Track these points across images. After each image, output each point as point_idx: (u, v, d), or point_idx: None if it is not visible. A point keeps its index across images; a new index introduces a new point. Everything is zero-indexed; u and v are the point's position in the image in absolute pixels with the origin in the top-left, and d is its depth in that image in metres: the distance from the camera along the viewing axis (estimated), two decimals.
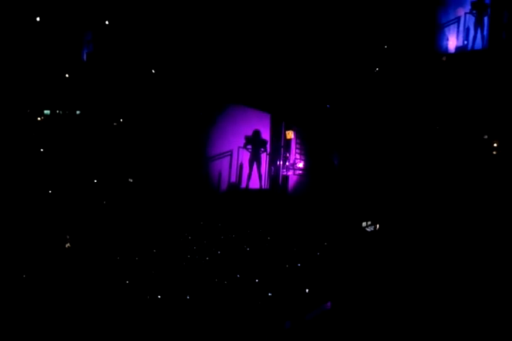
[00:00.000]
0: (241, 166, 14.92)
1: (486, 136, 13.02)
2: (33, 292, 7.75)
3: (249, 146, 14.92)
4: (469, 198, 12.00)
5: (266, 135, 15.09)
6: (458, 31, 14.07)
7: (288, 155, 15.13)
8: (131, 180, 13.69)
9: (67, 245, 10.28)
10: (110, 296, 7.76)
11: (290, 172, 15.03)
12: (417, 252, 9.74)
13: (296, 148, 15.16)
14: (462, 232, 10.57)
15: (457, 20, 14.09)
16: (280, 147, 15.12)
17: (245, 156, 14.98)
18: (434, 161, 12.94)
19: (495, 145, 12.89)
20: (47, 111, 13.52)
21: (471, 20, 13.95)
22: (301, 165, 15.10)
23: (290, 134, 15.02)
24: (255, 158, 14.95)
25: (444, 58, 14.08)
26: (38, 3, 13.01)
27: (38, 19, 12.99)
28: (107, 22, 13.85)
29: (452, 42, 14.18)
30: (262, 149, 15.01)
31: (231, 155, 14.87)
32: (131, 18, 13.81)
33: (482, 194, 11.99)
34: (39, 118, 13.45)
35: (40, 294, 7.67)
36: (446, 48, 14.25)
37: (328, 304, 7.78)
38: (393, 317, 7.33)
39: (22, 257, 9.16)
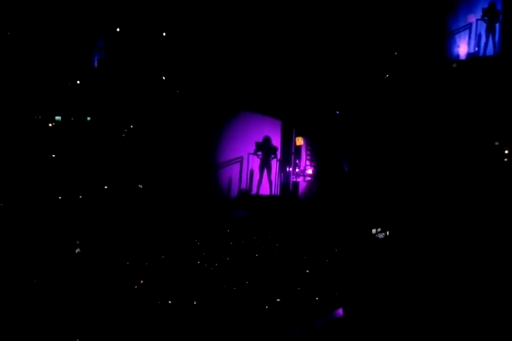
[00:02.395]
0: (251, 173, 14.92)
1: (497, 143, 12.95)
2: (43, 296, 7.76)
3: (260, 153, 14.92)
4: (481, 204, 11.92)
5: (276, 141, 15.08)
6: (469, 38, 14.05)
7: (298, 161, 15.11)
8: (141, 186, 13.72)
9: (77, 250, 10.30)
10: (119, 301, 7.75)
11: (300, 179, 15.01)
12: (429, 259, 9.66)
13: (306, 155, 15.16)
14: (473, 238, 10.49)
15: (468, 26, 14.08)
16: (290, 153, 15.10)
17: (256, 163, 14.97)
18: (444, 167, 12.88)
19: (506, 152, 12.82)
20: (58, 118, 13.61)
21: (482, 27, 13.92)
22: (310, 171, 15.08)
23: (300, 141, 15.01)
24: (265, 165, 14.94)
25: (454, 65, 14.05)
26: (50, 10, 13.13)
27: (50, 26, 13.11)
28: (118, 29, 13.95)
29: (463, 49, 14.16)
30: (273, 156, 15.00)
31: (241, 161, 14.88)
32: (142, 25, 13.90)
33: (494, 201, 11.90)
34: (50, 125, 13.54)
35: (50, 298, 7.69)
36: (457, 55, 14.23)
37: (340, 311, 7.72)
38: (404, 325, 7.27)
39: (32, 262, 9.19)
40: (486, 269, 8.94)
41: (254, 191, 15.00)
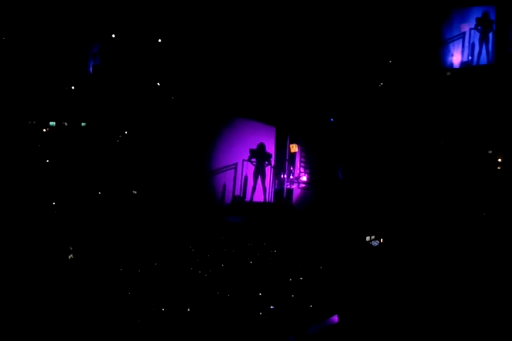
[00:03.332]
0: (245, 179, 14.92)
1: (490, 151, 13.02)
2: (36, 301, 7.71)
3: (254, 159, 14.93)
4: (475, 212, 11.96)
5: (270, 148, 15.10)
6: (463, 47, 14.14)
7: (292, 168, 15.12)
8: (135, 192, 13.69)
9: (71, 256, 10.25)
10: (112, 307, 7.71)
11: (294, 186, 15.01)
12: (423, 266, 9.67)
13: (300, 162, 15.17)
14: (468, 245, 10.52)
15: (462, 35, 14.17)
16: (285, 160, 15.12)
17: (250, 169, 14.98)
18: (438, 175, 12.92)
19: (499, 160, 12.88)
20: (52, 123, 13.58)
21: (475, 36, 14.03)
22: (305, 178, 15.09)
23: (294, 148, 15.03)
24: (260, 171, 14.95)
25: (448, 73, 14.14)
26: (46, 16, 13.15)
27: (45, 32, 13.12)
28: (113, 35, 13.97)
29: (457, 58, 14.25)
30: (267, 162, 15.01)
31: (235, 168, 14.88)
32: (137, 31, 13.93)
33: (488, 209, 11.95)
34: (44, 130, 13.50)
35: (44, 304, 7.64)
36: (451, 63, 14.31)
37: (335, 318, 7.70)
38: (399, 331, 7.26)
39: (25, 268, 9.13)
40: (481, 276, 8.96)
41: (248, 198, 14.99)
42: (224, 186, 14.76)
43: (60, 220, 12.12)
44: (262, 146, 14.94)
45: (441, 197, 12.65)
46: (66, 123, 13.64)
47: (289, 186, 14.99)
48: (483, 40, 13.88)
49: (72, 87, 13.67)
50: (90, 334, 6.92)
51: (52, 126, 13.54)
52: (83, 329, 7.01)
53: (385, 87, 14.16)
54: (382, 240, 11.88)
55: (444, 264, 9.77)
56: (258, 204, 14.88)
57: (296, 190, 15.04)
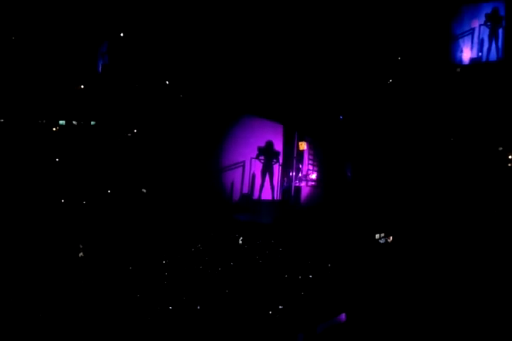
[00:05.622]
0: (253, 177, 14.91)
1: (501, 148, 12.95)
2: (46, 300, 7.77)
3: (262, 157, 14.91)
4: (485, 210, 11.90)
5: (279, 146, 15.08)
6: (472, 43, 14.06)
7: (301, 166, 15.10)
8: (144, 191, 13.74)
9: (81, 254, 10.32)
10: (121, 306, 7.75)
11: (303, 184, 14.99)
12: (432, 264, 9.64)
13: (308, 159, 15.14)
14: (477, 243, 10.48)
15: (471, 31, 14.09)
16: (293, 158, 15.09)
17: (258, 167, 14.97)
18: (448, 172, 12.88)
19: (510, 157, 12.82)
20: (62, 122, 13.65)
21: (485, 32, 13.94)
22: (313, 176, 15.07)
23: (303, 145, 15.00)
24: (268, 169, 14.93)
25: (458, 70, 14.07)
26: (54, 15, 13.20)
27: (54, 31, 13.18)
28: (121, 34, 14.01)
29: (466, 54, 14.17)
30: (275, 160, 14.99)
31: (243, 166, 14.88)
32: (146, 30, 13.96)
33: (498, 206, 11.89)
34: (54, 129, 13.58)
35: (53, 302, 7.69)
36: (461, 60, 14.24)
37: (343, 316, 7.70)
38: (408, 330, 7.25)
39: (36, 266, 9.20)
40: (491, 274, 8.92)
41: (256, 195, 14.99)
42: (232, 184, 14.76)
43: (70, 219, 12.19)
44: (270, 144, 14.93)
45: (451, 194, 12.60)
46: (75, 122, 13.70)
47: (297, 184, 14.98)
48: (492, 36, 13.79)
49: (82, 86, 13.72)
50: (100, 332, 6.97)
51: (61, 125, 13.61)
52: (92, 327, 7.06)
53: (395, 83, 14.10)
54: (391, 238, 11.86)
55: (455, 262, 9.73)
56: (266, 202, 14.88)
57: (305, 188, 15.02)
